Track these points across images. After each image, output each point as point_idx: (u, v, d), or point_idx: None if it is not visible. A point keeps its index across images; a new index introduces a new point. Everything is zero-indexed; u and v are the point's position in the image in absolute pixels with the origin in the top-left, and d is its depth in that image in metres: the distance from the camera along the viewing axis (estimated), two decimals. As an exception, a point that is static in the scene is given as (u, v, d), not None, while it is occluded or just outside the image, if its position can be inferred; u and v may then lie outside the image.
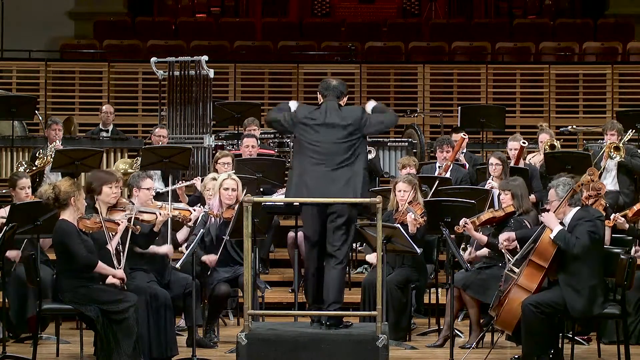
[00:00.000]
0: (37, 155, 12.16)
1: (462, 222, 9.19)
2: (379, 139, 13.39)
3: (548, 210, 8.49)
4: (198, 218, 9.36)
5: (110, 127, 14.41)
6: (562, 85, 16.32)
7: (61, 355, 8.94)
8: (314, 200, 7.83)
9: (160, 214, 8.75)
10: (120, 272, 8.29)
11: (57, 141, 12.34)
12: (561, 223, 8.36)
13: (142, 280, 8.72)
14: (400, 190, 9.84)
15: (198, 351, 8.78)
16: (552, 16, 19.58)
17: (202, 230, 9.19)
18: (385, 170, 13.36)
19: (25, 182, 9.71)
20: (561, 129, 14.60)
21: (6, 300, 9.37)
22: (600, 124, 14.30)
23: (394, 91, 16.48)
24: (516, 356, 8.75)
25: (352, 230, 7.95)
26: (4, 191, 11.81)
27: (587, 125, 15.21)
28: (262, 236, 9.90)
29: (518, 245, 8.88)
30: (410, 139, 13.73)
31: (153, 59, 13.96)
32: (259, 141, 12.33)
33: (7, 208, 9.17)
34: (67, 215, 8.25)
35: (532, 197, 10.70)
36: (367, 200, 7.82)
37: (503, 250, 8.97)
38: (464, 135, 12.04)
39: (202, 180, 10.48)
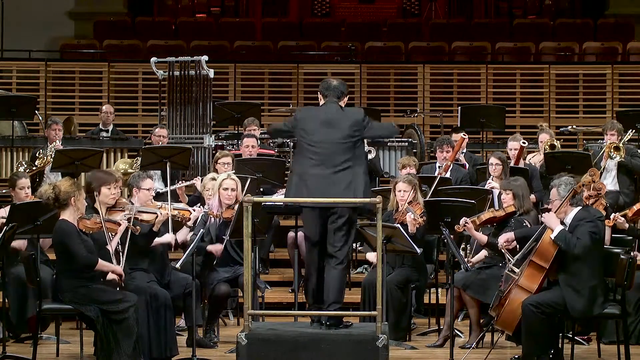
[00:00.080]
0: (37, 155, 12.16)
1: (462, 221, 9.20)
2: (379, 139, 13.37)
3: (549, 210, 8.49)
4: (198, 218, 9.36)
5: (110, 127, 14.41)
6: (562, 85, 16.32)
7: (61, 355, 8.94)
8: (314, 201, 7.83)
9: (159, 213, 8.75)
10: (118, 268, 8.29)
11: (57, 141, 12.34)
12: (562, 223, 8.36)
13: (142, 280, 8.72)
14: (400, 190, 9.84)
15: (198, 351, 8.78)
16: (552, 16, 19.58)
17: (202, 230, 9.19)
18: (385, 170, 13.36)
19: (25, 182, 9.71)
20: (561, 129, 14.60)
21: (6, 300, 9.37)
22: (600, 124, 14.30)
23: (394, 91, 16.48)
24: (516, 356, 8.75)
25: (352, 231, 7.96)
26: (4, 191, 11.81)
27: (587, 125, 15.21)
28: (262, 236, 9.90)
29: (518, 245, 8.89)
30: (410, 139, 13.73)
31: (153, 59, 13.96)
32: (259, 141, 12.32)
33: (7, 208, 9.16)
34: (67, 215, 8.25)
35: (532, 197, 10.69)
36: (367, 200, 7.81)
37: (503, 250, 8.97)
38: (464, 135, 12.04)
39: (201, 181, 10.49)
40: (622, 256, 8.45)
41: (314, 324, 7.93)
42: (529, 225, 9.21)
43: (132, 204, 8.78)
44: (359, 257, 11.63)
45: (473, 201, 9.60)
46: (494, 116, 13.77)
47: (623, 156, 11.69)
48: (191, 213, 9.21)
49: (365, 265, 11.57)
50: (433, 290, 10.32)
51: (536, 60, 17.55)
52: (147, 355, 8.49)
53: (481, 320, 9.42)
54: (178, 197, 10.87)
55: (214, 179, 9.93)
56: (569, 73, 16.44)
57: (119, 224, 8.42)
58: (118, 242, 8.45)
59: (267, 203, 9.57)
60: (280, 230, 11.71)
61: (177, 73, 13.65)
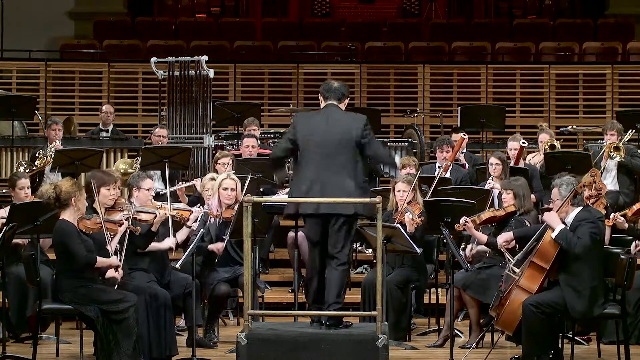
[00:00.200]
0: (37, 155, 12.16)
1: (462, 220, 9.20)
2: (379, 139, 13.34)
3: (550, 210, 8.49)
4: (197, 218, 9.36)
5: (110, 127, 14.42)
6: (562, 85, 16.33)
7: (61, 355, 8.94)
8: (314, 201, 7.83)
9: (158, 213, 8.75)
10: (115, 260, 8.27)
11: (57, 141, 12.35)
12: (563, 222, 8.36)
13: (141, 280, 8.72)
14: (399, 190, 9.84)
15: (198, 351, 8.78)
16: (552, 16, 19.58)
17: (202, 230, 9.19)
18: (385, 170, 13.33)
19: (25, 182, 9.71)
20: (561, 129, 14.60)
21: (6, 300, 9.37)
22: (600, 124, 14.31)
23: (394, 91, 16.48)
24: (516, 356, 8.75)
25: (353, 232, 7.98)
26: (3, 191, 11.81)
27: (587, 125, 15.21)
28: (262, 236, 9.90)
29: (517, 245, 8.89)
30: (410, 139, 13.73)
31: (153, 59, 13.96)
32: (259, 141, 12.33)
33: (7, 208, 9.16)
34: (68, 215, 8.25)
35: (532, 197, 10.69)
36: (367, 200, 7.82)
37: (502, 250, 8.97)
38: (463, 135, 12.03)
39: (201, 181, 10.49)
40: (622, 256, 8.45)
41: (314, 324, 7.93)
42: (529, 225, 9.21)
43: (132, 203, 8.79)
44: (359, 257, 11.64)
45: (473, 201, 9.60)
46: (493, 116, 13.77)
47: (623, 156, 11.69)
48: (191, 213, 9.21)
49: (366, 265, 11.57)
50: (433, 290, 10.32)
51: (536, 60, 17.55)
52: (147, 355, 8.49)
53: (481, 320, 9.42)
54: (178, 197, 10.87)
55: (213, 179, 9.93)
56: (569, 73, 16.45)
57: (119, 224, 8.42)
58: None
59: (267, 203, 9.58)
60: (280, 230, 11.71)
61: (177, 73, 13.66)
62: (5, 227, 8.68)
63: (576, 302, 8.24)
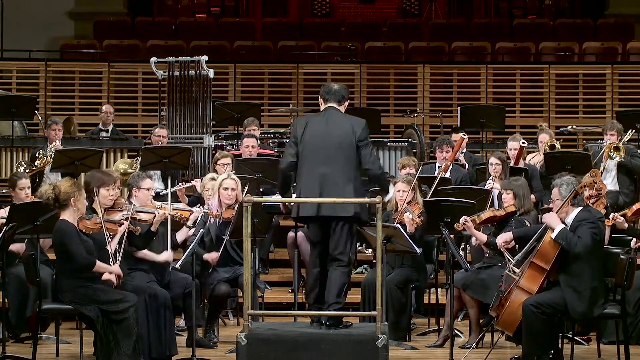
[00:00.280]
0: (37, 155, 12.16)
1: (462, 219, 9.20)
2: (379, 139, 13.39)
3: (550, 210, 8.48)
4: (197, 218, 9.36)
5: (110, 127, 14.42)
6: (562, 85, 16.33)
7: (61, 355, 8.93)
8: (315, 201, 7.83)
9: (157, 213, 8.75)
10: (116, 269, 8.28)
11: (57, 141, 12.35)
12: (563, 223, 8.35)
13: (141, 280, 8.72)
14: (399, 190, 9.84)
15: (198, 351, 8.78)
16: (552, 16, 19.59)
17: (201, 230, 9.19)
18: (385, 170, 13.35)
19: (25, 182, 9.70)
20: (561, 129, 14.61)
21: (6, 300, 9.36)
22: (600, 124, 14.31)
23: (394, 91, 16.49)
24: (516, 356, 8.75)
25: (354, 232, 7.99)
26: (3, 191, 11.80)
27: (587, 125, 15.22)
28: (262, 236, 9.89)
29: (517, 245, 8.89)
30: (410, 139, 13.73)
31: (153, 59, 13.96)
32: (258, 141, 12.33)
33: (7, 208, 9.16)
34: (67, 215, 8.25)
35: (532, 197, 10.69)
36: (367, 200, 7.83)
37: (502, 250, 8.97)
38: (463, 135, 12.03)
39: (201, 181, 10.48)
40: (622, 256, 8.45)
41: (313, 324, 7.94)
42: (529, 225, 9.21)
43: (131, 203, 8.79)
44: (358, 257, 11.63)
45: (473, 201, 9.60)
46: (493, 116, 13.77)
47: (623, 156, 11.69)
48: (191, 213, 9.21)
49: (366, 265, 11.57)
50: (433, 290, 10.32)
51: (536, 60, 17.55)
52: (147, 355, 8.49)
53: (481, 320, 9.42)
54: (178, 197, 10.87)
55: (213, 179, 9.93)
56: (569, 73, 16.45)
57: (119, 225, 8.42)
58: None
59: (266, 203, 9.58)
60: (280, 230, 11.71)
61: (177, 73, 13.66)
62: (5, 227, 8.68)
63: (576, 303, 8.24)
